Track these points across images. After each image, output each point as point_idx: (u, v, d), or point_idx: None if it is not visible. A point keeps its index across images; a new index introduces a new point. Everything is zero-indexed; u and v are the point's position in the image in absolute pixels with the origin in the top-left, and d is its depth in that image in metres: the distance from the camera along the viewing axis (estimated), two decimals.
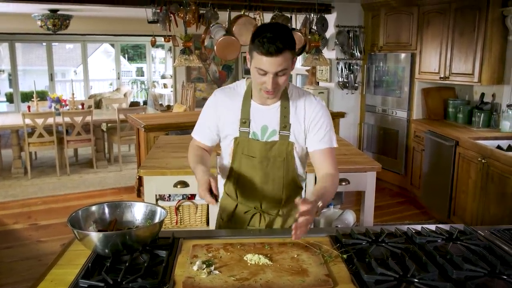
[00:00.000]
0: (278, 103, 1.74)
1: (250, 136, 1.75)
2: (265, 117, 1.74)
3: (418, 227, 1.76)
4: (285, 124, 1.74)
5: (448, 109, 4.87)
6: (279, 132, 1.74)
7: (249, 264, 1.43)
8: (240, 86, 1.80)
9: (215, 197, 1.59)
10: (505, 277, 1.36)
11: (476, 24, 4.12)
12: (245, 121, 1.74)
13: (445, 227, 1.77)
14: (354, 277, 1.36)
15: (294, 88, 1.79)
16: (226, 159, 1.85)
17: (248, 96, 1.75)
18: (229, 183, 1.86)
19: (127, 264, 1.39)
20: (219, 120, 1.79)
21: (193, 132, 1.90)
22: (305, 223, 1.40)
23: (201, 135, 1.86)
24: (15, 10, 7.15)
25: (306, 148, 1.81)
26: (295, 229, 1.39)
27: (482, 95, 4.45)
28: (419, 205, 4.86)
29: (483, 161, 3.63)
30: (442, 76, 4.57)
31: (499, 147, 3.76)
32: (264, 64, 1.56)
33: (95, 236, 1.41)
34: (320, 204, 1.54)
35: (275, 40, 1.52)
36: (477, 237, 1.66)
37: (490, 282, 1.34)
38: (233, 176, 1.83)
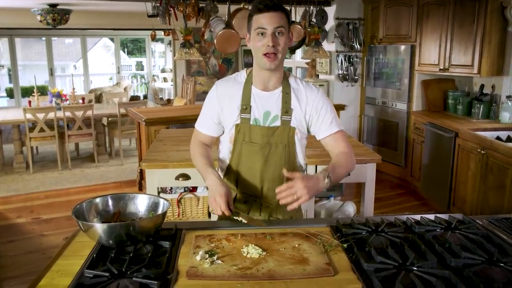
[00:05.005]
0: (280, 88, 1.77)
1: (251, 123, 1.76)
2: (267, 103, 1.76)
3: (417, 217, 1.78)
4: (286, 109, 1.75)
5: (447, 101, 4.88)
6: (281, 117, 1.76)
7: (248, 256, 1.45)
8: (241, 75, 1.83)
9: (230, 209, 1.63)
10: (502, 264, 1.38)
11: (476, 15, 4.12)
12: (246, 107, 1.75)
13: (444, 216, 1.80)
14: (354, 265, 1.38)
15: (294, 77, 1.83)
16: (227, 147, 1.86)
17: (248, 83, 1.77)
18: (229, 171, 1.87)
19: (131, 254, 1.41)
20: (221, 110, 1.79)
21: (196, 124, 1.90)
22: (287, 189, 1.52)
23: (205, 126, 1.86)
24: (15, 5, 7.14)
25: (307, 134, 1.84)
26: (278, 192, 1.53)
27: (482, 86, 4.46)
28: (419, 196, 4.89)
29: (482, 152, 3.65)
30: (441, 67, 4.58)
31: (498, 138, 3.78)
32: (262, 21, 1.63)
33: (99, 227, 1.44)
34: (329, 177, 1.60)
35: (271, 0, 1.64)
36: (476, 226, 1.68)
37: (487, 269, 1.36)
38: (233, 163, 1.84)
